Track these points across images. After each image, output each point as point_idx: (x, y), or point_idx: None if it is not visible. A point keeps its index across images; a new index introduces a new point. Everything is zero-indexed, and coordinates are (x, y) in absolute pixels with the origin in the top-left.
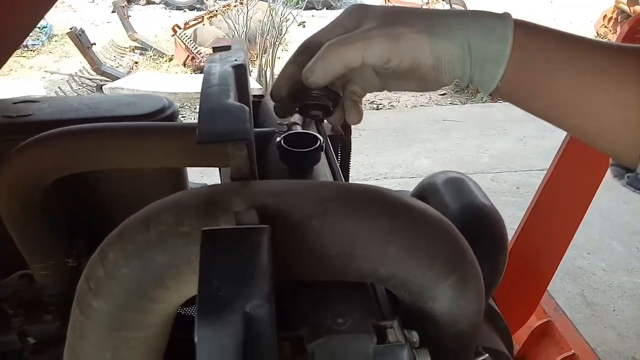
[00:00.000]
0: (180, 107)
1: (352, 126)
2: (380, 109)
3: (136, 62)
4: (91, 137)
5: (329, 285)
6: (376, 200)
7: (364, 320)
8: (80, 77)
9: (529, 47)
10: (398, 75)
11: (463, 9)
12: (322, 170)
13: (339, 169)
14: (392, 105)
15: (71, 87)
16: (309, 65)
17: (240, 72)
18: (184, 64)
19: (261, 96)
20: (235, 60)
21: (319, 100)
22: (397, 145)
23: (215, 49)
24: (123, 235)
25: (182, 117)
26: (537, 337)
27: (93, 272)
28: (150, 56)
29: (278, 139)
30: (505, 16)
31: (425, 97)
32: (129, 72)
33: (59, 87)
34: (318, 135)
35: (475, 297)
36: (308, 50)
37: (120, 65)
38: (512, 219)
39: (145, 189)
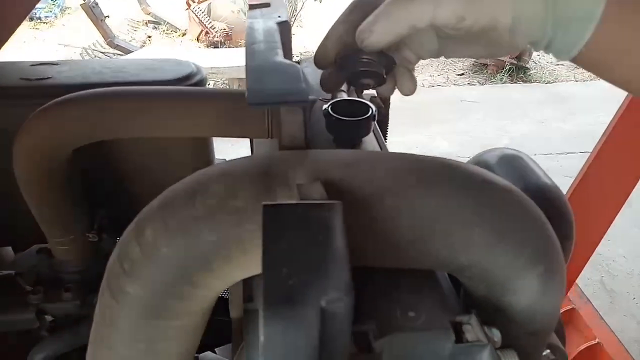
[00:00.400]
0: None
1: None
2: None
3: (149, 36)
4: (119, 102)
5: (390, 270)
6: (457, 176)
7: (439, 314)
8: (94, 50)
9: (626, 1)
10: (465, 39)
11: None
12: (371, 143)
13: (385, 142)
14: None
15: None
16: (367, 23)
17: (284, 30)
18: (198, 39)
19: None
20: (279, 16)
21: (371, 67)
22: (414, 125)
23: (253, 6)
24: (164, 209)
25: None
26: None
27: (127, 251)
28: (164, 30)
29: (325, 106)
30: None
31: (443, 77)
32: (142, 46)
33: (74, 59)
34: (369, 102)
35: (559, 291)
36: (362, 7)
37: (134, 39)
38: None
39: (170, 162)
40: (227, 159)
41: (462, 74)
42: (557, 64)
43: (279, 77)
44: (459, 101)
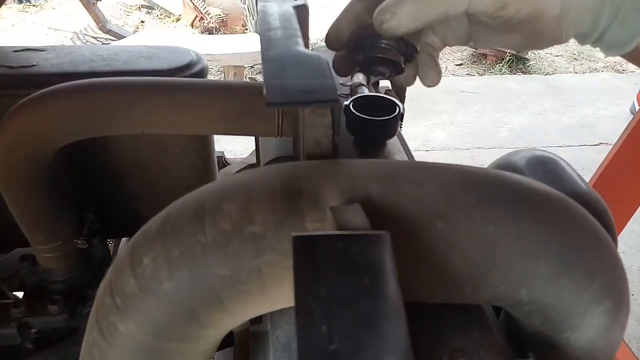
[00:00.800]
0: None
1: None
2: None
3: (142, 21)
4: (109, 95)
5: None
6: (519, 194)
7: (492, 358)
8: (85, 35)
9: None
10: (502, 27)
11: None
12: (395, 145)
13: (407, 144)
14: None
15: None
16: (389, 4)
17: (302, 15)
18: (192, 25)
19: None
20: None
21: (389, 55)
22: (411, 116)
23: None
24: (166, 233)
25: None
26: None
27: (121, 283)
28: (157, 15)
29: (346, 102)
30: None
31: (441, 67)
32: (135, 32)
33: (62, 44)
34: (396, 99)
35: (623, 328)
36: None
37: (127, 24)
38: None
39: (167, 160)
40: (224, 153)
41: (461, 64)
42: (557, 55)
43: (302, 70)
44: (457, 92)
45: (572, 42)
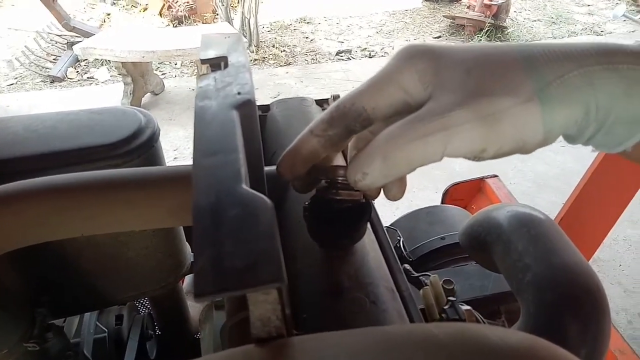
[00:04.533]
0: (159, 63)
1: (346, 77)
2: (373, 56)
3: (108, 14)
4: (39, 203)
5: None
6: None
7: None
8: (49, 33)
9: None
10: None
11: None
12: (367, 242)
13: (384, 230)
14: (385, 52)
15: (39, 45)
16: (358, 164)
17: (248, 116)
18: (160, 14)
19: (267, 108)
20: (239, 91)
21: (351, 196)
22: None
23: (205, 61)
24: None
25: (162, 74)
26: None
27: None
28: (124, 6)
29: (305, 204)
30: None
31: (420, 42)
32: (101, 26)
33: (25, 45)
34: (363, 198)
35: None
36: (344, 120)
37: (92, 18)
38: (515, 172)
39: (130, 251)
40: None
41: (439, 36)
42: (535, 20)
43: (242, 227)
44: None
45: (550, 4)
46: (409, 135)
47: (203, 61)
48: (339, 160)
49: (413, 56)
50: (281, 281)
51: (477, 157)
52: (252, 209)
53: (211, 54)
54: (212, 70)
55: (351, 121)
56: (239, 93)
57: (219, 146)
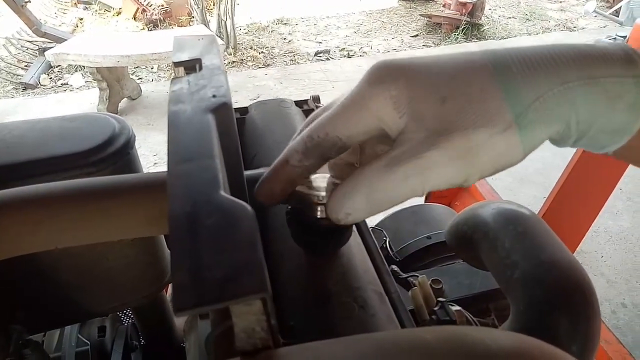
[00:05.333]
0: (135, 68)
1: (326, 77)
2: (352, 56)
3: (81, 19)
4: (9, 215)
5: None
6: None
7: None
8: (20, 39)
9: None
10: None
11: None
12: (354, 245)
13: (370, 231)
14: (364, 52)
15: (9, 52)
16: (341, 204)
17: (224, 119)
18: (134, 18)
19: (245, 110)
20: (214, 94)
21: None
22: None
23: (178, 64)
24: None
25: (139, 78)
26: None
27: None
28: (96, 11)
29: (288, 207)
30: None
31: (397, 40)
32: (73, 31)
33: None
34: None
35: None
36: (319, 150)
37: (64, 23)
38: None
39: (109, 261)
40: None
41: (417, 35)
42: (510, 17)
43: (221, 236)
44: None
45: (524, 1)
46: (388, 174)
47: (176, 64)
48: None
49: (384, 80)
50: (264, 291)
51: (460, 185)
52: (231, 217)
53: (184, 56)
54: (187, 74)
55: (326, 150)
56: (214, 96)
57: (194, 152)
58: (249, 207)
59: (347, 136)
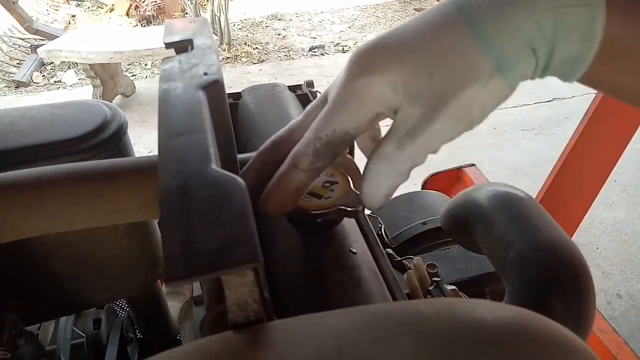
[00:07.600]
0: (129, 64)
1: (320, 72)
2: (347, 51)
3: (73, 16)
4: (1, 198)
5: None
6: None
7: None
8: (11, 37)
9: (626, 37)
10: None
11: None
12: (348, 226)
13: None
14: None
15: (1, 50)
16: (372, 196)
17: (216, 96)
18: (127, 14)
19: (238, 95)
20: (205, 72)
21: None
22: None
23: (170, 45)
24: None
25: (132, 75)
26: None
27: None
28: (89, 7)
29: None
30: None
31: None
32: (65, 28)
33: None
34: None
35: None
36: (330, 148)
37: (56, 20)
38: (492, 161)
39: (95, 232)
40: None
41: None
42: None
43: (213, 209)
44: None
45: None
46: (404, 159)
47: (167, 45)
48: None
49: (376, 63)
50: (257, 261)
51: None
52: (223, 189)
53: (176, 37)
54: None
55: (336, 147)
56: (205, 74)
57: (185, 127)
58: (240, 179)
59: (354, 127)
